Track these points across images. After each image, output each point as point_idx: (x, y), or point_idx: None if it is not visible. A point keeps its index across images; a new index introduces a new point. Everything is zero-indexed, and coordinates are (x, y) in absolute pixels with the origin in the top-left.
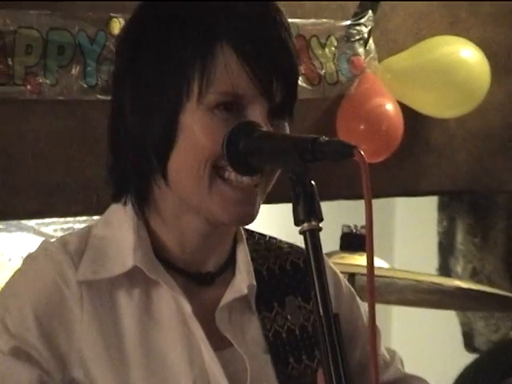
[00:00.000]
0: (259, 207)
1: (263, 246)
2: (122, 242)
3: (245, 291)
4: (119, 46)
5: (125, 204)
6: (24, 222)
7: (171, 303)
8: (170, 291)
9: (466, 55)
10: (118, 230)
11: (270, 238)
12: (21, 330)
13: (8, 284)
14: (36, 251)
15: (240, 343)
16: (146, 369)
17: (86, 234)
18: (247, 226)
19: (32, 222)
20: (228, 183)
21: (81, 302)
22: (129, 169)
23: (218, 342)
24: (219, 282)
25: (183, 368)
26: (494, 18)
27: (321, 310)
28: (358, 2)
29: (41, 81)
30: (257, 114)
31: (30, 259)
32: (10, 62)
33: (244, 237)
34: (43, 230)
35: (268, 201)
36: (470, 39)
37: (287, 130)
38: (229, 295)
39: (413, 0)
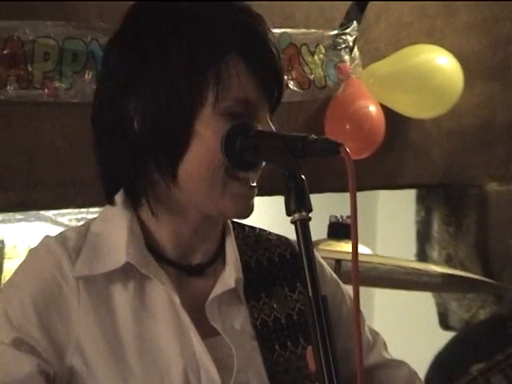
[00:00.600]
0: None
1: (253, 239)
2: (117, 238)
3: (232, 285)
4: (121, 45)
5: (123, 207)
6: (42, 212)
7: (163, 295)
8: (161, 284)
9: (442, 62)
10: (113, 227)
11: (260, 230)
12: (22, 320)
13: (11, 277)
14: (37, 246)
15: (228, 332)
16: (140, 355)
17: (84, 230)
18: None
19: (49, 213)
20: (238, 180)
21: (78, 295)
22: (125, 170)
23: (208, 330)
24: (209, 272)
25: (174, 355)
26: (467, 28)
27: (310, 292)
28: (344, 14)
29: (57, 85)
30: (264, 117)
31: (31, 254)
32: (30, 68)
33: (232, 229)
34: (59, 219)
35: (262, 193)
36: (445, 47)
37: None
38: (218, 289)
39: (395, 0)
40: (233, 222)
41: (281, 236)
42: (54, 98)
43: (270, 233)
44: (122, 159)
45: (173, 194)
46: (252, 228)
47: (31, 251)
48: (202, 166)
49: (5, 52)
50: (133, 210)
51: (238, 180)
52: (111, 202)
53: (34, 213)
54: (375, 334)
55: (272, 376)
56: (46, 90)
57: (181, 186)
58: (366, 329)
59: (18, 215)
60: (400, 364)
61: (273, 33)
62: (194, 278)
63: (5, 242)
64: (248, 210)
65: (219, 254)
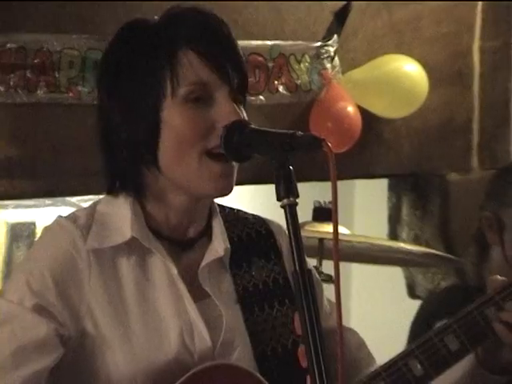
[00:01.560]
0: (234, 182)
1: (233, 218)
2: (121, 217)
3: (221, 253)
4: (103, 66)
5: (124, 194)
6: (67, 198)
7: (162, 266)
8: (161, 256)
9: (409, 69)
10: (117, 207)
11: (238, 210)
12: (41, 288)
13: (30, 251)
14: (52, 225)
15: (217, 295)
16: (142, 318)
17: (92, 211)
18: (222, 202)
19: (73, 199)
20: (215, 158)
21: (89, 267)
22: (122, 163)
23: (199, 294)
24: (198, 246)
25: (172, 317)
26: (431, 41)
27: (297, 266)
28: (326, 28)
29: (80, 89)
30: (221, 96)
31: (47, 231)
32: (57, 75)
33: (218, 211)
34: (83, 204)
35: (256, 182)
36: (413, 57)
37: (245, 113)
38: (208, 257)
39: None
40: (217, 205)
41: (256, 215)
42: (77, 101)
43: (245, 212)
44: (114, 157)
45: (160, 181)
46: (231, 209)
47: (46, 229)
48: (174, 149)
49: (35, 61)
50: (133, 195)
51: (213, 156)
52: (112, 191)
53: (60, 199)
54: (332, 303)
55: (252, 334)
56: (71, 94)
57: (163, 172)
58: (325, 298)
59: (47, 201)
60: (351, 331)
61: (229, 28)
62: (185, 251)
63: (36, 223)
64: (228, 188)
65: (206, 231)
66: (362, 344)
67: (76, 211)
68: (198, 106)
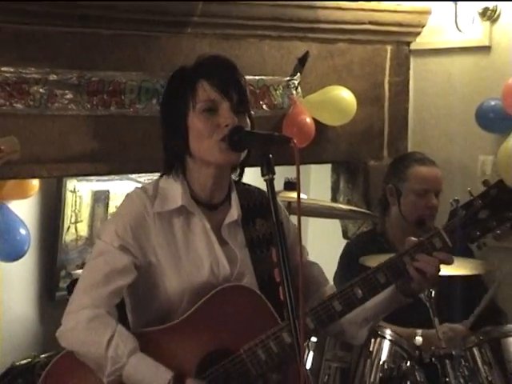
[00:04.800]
0: (240, 158)
1: (243, 190)
2: (175, 191)
3: (236, 217)
4: (162, 98)
5: (175, 175)
6: (130, 175)
7: (199, 223)
8: (199, 217)
9: (345, 95)
10: (172, 185)
11: (248, 185)
12: (124, 235)
13: (117, 210)
14: (131, 193)
15: (234, 243)
16: (187, 255)
17: (156, 185)
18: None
19: (134, 176)
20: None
21: (154, 222)
22: (173, 155)
23: (222, 242)
24: (221, 209)
25: (205, 256)
26: (359, 77)
27: (274, 219)
28: (293, 68)
29: (137, 106)
30: (223, 107)
31: (128, 197)
32: (123, 97)
33: (234, 186)
34: (139, 179)
35: (248, 165)
36: (347, 87)
37: (247, 119)
38: (228, 219)
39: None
40: (234, 181)
41: (259, 189)
42: (135, 114)
43: (254, 187)
44: (167, 150)
45: (194, 163)
46: (243, 183)
47: (128, 195)
48: (196, 141)
49: (110, 88)
50: (182, 174)
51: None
52: (168, 173)
53: (125, 176)
54: (303, 246)
55: (255, 268)
56: (131, 109)
57: (194, 156)
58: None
59: (116, 177)
60: (315, 263)
61: (234, 65)
62: (213, 212)
63: (110, 191)
64: (232, 159)
65: (226, 199)
66: (321, 271)
67: (146, 184)
68: (209, 114)
